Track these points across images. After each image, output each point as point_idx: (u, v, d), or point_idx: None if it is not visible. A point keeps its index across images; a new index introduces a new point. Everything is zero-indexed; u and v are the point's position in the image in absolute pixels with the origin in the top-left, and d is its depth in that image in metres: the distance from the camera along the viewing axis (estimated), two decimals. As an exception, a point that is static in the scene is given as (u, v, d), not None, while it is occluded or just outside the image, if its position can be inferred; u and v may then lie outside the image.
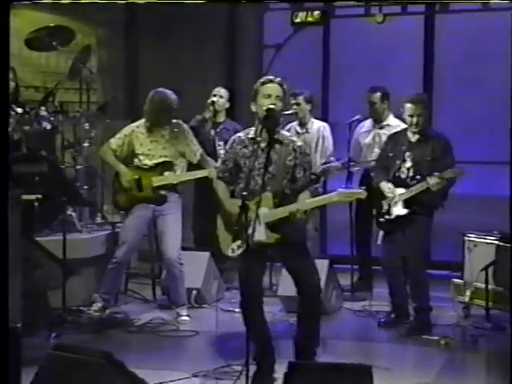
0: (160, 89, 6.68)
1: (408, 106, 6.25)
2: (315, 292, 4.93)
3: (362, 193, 4.89)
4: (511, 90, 7.00)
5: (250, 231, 4.50)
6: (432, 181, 5.99)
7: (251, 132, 4.86)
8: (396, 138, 6.47)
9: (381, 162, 6.55)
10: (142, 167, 6.61)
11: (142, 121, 6.70)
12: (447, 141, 6.30)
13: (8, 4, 4.04)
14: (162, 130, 6.64)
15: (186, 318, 6.63)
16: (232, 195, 4.90)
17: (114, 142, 6.73)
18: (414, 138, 6.30)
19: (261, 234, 4.61)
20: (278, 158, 4.73)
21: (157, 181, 6.54)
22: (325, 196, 4.81)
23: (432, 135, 6.32)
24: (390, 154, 6.39)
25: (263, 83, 4.81)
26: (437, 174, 5.98)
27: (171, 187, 6.59)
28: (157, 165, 6.59)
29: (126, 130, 6.75)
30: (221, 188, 4.93)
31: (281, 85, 4.80)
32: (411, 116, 6.23)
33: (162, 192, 6.55)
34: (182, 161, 6.67)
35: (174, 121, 6.70)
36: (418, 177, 6.15)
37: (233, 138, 5.02)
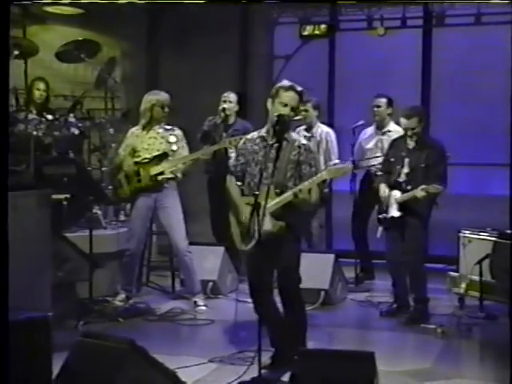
0: (153, 90, 6.76)
1: (402, 120, 6.23)
2: (295, 278, 4.83)
3: (348, 167, 4.84)
4: (510, 98, 6.98)
5: (257, 224, 4.48)
6: (418, 193, 5.97)
7: (262, 131, 4.84)
8: (397, 143, 6.44)
9: (384, 165, 6.53)
10: (140, 162, 6.60)
11: (139, 124, 6.73)
12: (442, 150, 6.24)
13: (8, 4, 3.85)
14: (157, 127, 6.66)
15: (204, 307, 6.63)
16: (242, 193, 4.87)
17: (122, 148, 6.80)
18: (411, 145, 6.26)
19: (267, 224, 4.59)
20: (283, 154, 4.69)
21: (154, 170, 6.54)
22: (317, 175, 4.73)
23: (428, 143, 6.25)
24: (392, 159, 6.37)
25: (286, 89, 4.72)
26: (423, 187, 5.94)
27: (169, 178, 6.58)
28: (154, 157, 6.57)
29: (127, 136, 6.81)
30: (232, 187, 4.90)
31: (300, 95, 4.74)
32: (406, 129, 6.22)
33: (159, 180, 6.53)
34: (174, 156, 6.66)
35: (169, 127, 6.70)
36: (412, 182, 6.11)
37: (245, 136, 5.02)
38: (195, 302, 6.67)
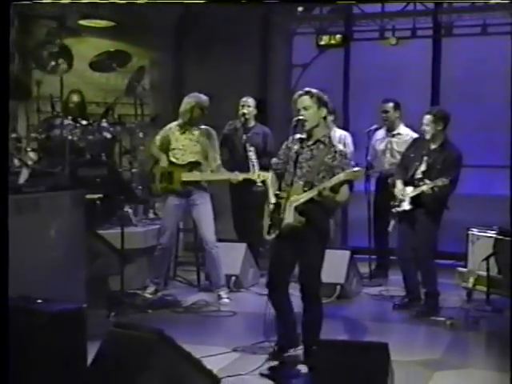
0: (193, 93, 6.73)
1: (426, 116, 6.15)
2: (315, 279, 4.80)
3: (360, 171, 4.82)
4: (511, 102, 6.93)
5: (281, 216, 4.51)
6: (424, 187, 5.95)
7: (304, 134, 4.82)
8: (419, 143, 6.35)
9: (403, 161, 6.47)
10: (175, 163, 6.61)
11: (178, 121, 6.72)
12: (458, 155, 6.15)
13: (8, 4, 3.71)
14: (193, 129, 6.66)
15: (227, 300, 6.64)
16: (279, 188, 4.86)
17: (158, 138, 6.79)
18: (433, 146, 6.20)
19: (289, 218, 4.60)
20: (318, 155, 4.70)
21: (186, 176, 6.56)
22: (336, 176, 4.72)
23: (447, 147, 6.17)
24: (412, 155, 6.31)
25: (300, 95, 4.75)
26: (429, 181, 5.93)
27: (198, 184, 6.60)
28: (188, 163, 6.59)
29: (166, 128, 6.80)
30: (271, 183, 4.92)
31: (314, 96, 4.72)
32: (427, 125, 6.13)
33: (189, 187, 6.56)
34: (206, 165, 6.66)
35: (205, 127, 6.71)
36: (426, 180, 6.06)
37: (290, 137, 4.93)
38: (219, 295, 6.67)
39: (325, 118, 4.80)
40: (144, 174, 7.90)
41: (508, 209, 5.77)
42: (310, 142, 4.74)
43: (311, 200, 4.63)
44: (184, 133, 6.67)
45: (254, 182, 6.20)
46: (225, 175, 6.61)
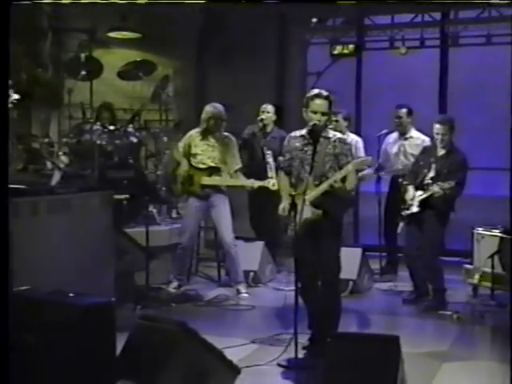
0: (213, 103, 6.72)
1: (436, 125, 6.15)
2: (334, 272, 4.81)
3: (369, 159, 4.85)
4: (510, 106, 6.88)
5: (298, 213, 4.49)
6: (435, 189, 5.93)
7: (303, 131, 4.83)
8: (428, 150, 6.35)
9: (413, 168, 6.46)
10: (196, 167, 6.62)
11: (199, 128, 6.73)
12: (464, 159, 6.14)
13: (8, 4, 3.53)
14: (213, 136, 6.65)
15: (246, 294, 6.65)
16: (290, 185, 4.86)
17: (181, 145, 6.80)
18: (440, 152, 6.20)
19: (307, 212, 4.59)
20: (320, 149, 4.70)
21: (205, 180, 6.57)
22: (345, 168, 4.71)
23: (454, 152, 6.16)
24: (421, 163, 6.30)
25: (313, 97, 4.73)
26: (439, 183, 5.91)
27: (217, 187, 6.61)
28: (207, 168, 6.60)
29: (187, 135, 6.81)
30: (282, 180, 4.94)
31: (328, 99, 4.73)
32: (437, 134, 6.14)
33: (208, 190, 6.57)
34: (225, 170, 6.66)
35: (226, 133, 6.71)
36: (434, 185, 6.03)
37: (289, 135, 4.98)
38: (238, 289, 6.68)
39: (330, 119, 4.83)
40: (168, 176, 7.93)
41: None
42: (311, 140, 4.71)
43: (324, 192, 4.63)
44: (203, 139, 6.68)
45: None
46: (242, 182, 6.60)
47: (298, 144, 4.81)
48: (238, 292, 6.66)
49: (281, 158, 5.03)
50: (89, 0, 7.76)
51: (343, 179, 4.64)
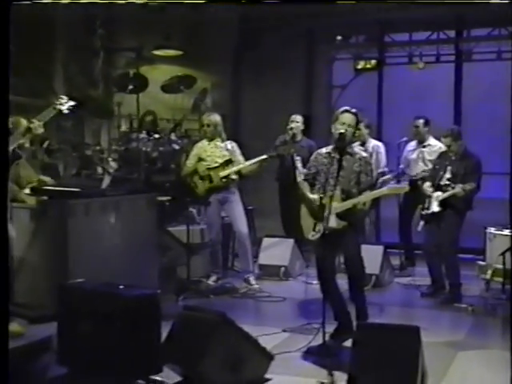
0: (209, 112, 6.81)
1: (443, 139, 6.30)
2: (360, 270, 4.78)
3: (405, 187, 4.79)
4: (511, 111, 6.77)
5: (324, 221, 4.44)
6: (457, 190, 5.89)
7: (329, 148, 4.81)
8: (443, 155, 6.34)
9: (432, 172, 6.42)
10: (212, 167, 6.57)
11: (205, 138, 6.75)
12: (478, 161, 6.11)
13: (8, 4, 3.32)
14: (218, 141, 6.65)
15: (256, 286, 6.56)
16: (311, 193, 4.84)
17: (188, 162, 6.77)
18: (453, 157, 6.18)
19: (332, 222, 4.54)
20: (347, 165, 4.66)
21: (223, 172, 6.53)
22: (378, 190, 4.68)
23: (467, 156, 6.14)
24: (437, 167, 6.28)
25: (342, 112, 4.71)
26: (460, 185, 5.88)
27: (232, 182, 6.56)
28: (220, 163, 6.55)
29: (193, 148, 6.82)
30: (305, 190, 4.87)
31: (355, 115, 4.71)
32: (446, 145, 6.23)
33: (227, 180, 6.51)
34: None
35: (229, 141, 6.69)
36: (452, 185, 6.01)
37: (316, 151, 4.95)
38: (248, 279, 6.58)
39: (355, 134, 4.77)
40: (187, 178, 7.91)
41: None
42: (338, 155, 4.67)
43: (350, 207, 4.62)
44: (209, 144, 6.67)
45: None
46: (256, 159, 6.52)
47: (324, 160, 4.79)
48: (246, 281, 6.58)
49: (305, 171, 5.00)
50: (88, 0, 7.47)
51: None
